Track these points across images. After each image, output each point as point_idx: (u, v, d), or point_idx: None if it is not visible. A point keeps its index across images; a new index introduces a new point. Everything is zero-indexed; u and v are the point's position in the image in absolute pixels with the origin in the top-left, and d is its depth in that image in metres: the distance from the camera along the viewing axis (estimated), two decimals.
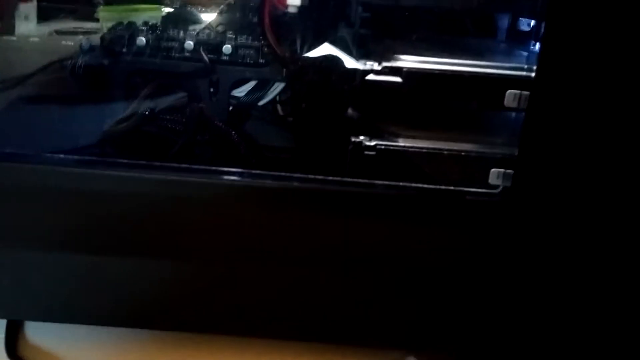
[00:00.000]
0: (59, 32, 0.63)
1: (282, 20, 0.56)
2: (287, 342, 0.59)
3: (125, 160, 0.51)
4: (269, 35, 0.56)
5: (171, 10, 0.61)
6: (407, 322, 0.55)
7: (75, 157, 0.52)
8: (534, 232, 0.51)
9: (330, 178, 0.51)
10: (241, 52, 0.58)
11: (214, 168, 0.52)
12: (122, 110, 0.59)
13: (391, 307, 0.55)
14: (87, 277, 0.54)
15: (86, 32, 0.61)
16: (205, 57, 0.58)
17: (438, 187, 0.52)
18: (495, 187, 0.52)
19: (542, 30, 0.47)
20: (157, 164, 0.51)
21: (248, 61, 0.58)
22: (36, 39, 0.62)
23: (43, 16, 0.63)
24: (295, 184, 0.51)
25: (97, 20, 0.62)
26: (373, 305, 0.55)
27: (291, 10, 0.53)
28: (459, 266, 0.53)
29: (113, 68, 0.59)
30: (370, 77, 0.52)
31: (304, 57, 0.56)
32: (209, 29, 0.60)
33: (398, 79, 0.52)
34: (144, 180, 0.51)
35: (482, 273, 0.53)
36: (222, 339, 0.60)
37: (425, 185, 0.52)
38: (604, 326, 0.54)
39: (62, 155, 0.52)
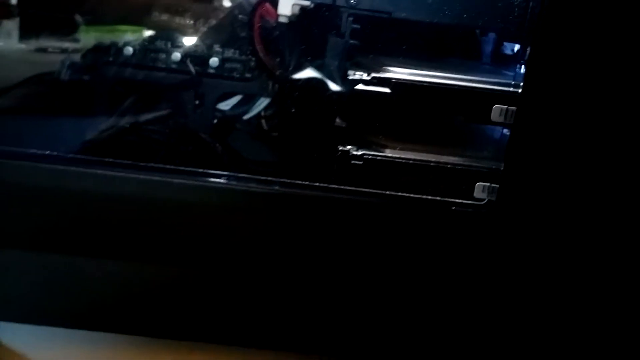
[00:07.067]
0: (40, 50, 0.63)
1: (272, 33, 0.56)
2: (266, 351, 0.57)
3: (106, 159, 0.50)
4: (258, 47, 0.57)
5: (152, 33, 0.61)
6: (390, 334, 0.54)
7: (53, 153, 0.51)
8: (520, 245, 0.51)
9: (317, 184, 0.51)
10: (228, 65, 0.59)
11: (200, 170, 0.51)
12: (102, 124, 0.59)
13: (373, 318, 0.54)
14: (61, 278, 0.52)
15: (68, 51, 0.61)
16: (192, 69, 0.58)
17: (424, 197, 0.51)
18: (481, 200, 0.52)
19: (527, 52, 0.48)
20: (140, 164, 0.50)
21: (235, 75, 0.58)
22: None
23: (25, 34, 0.63)
24: (277, 188, 0.51)
25: (79, 40, 0.62)
26: (355, 316, 0.54)
27: (282, 20, 0.54)
28: (444, 276, 0.52)
29: (95, 82, 0.59)
30: (360, 87, 0.52)
31: (293, 68, 0.56)
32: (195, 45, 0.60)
33: (387, 90, 0.52)
34: (125, 180, 0.49)
35: (467, 284, 0.52)
36: (202, 346, 0.58)
37: (411, 195, 0.51)
38: (588, 333, 0.53)
39: (36, 152, 0.50)
